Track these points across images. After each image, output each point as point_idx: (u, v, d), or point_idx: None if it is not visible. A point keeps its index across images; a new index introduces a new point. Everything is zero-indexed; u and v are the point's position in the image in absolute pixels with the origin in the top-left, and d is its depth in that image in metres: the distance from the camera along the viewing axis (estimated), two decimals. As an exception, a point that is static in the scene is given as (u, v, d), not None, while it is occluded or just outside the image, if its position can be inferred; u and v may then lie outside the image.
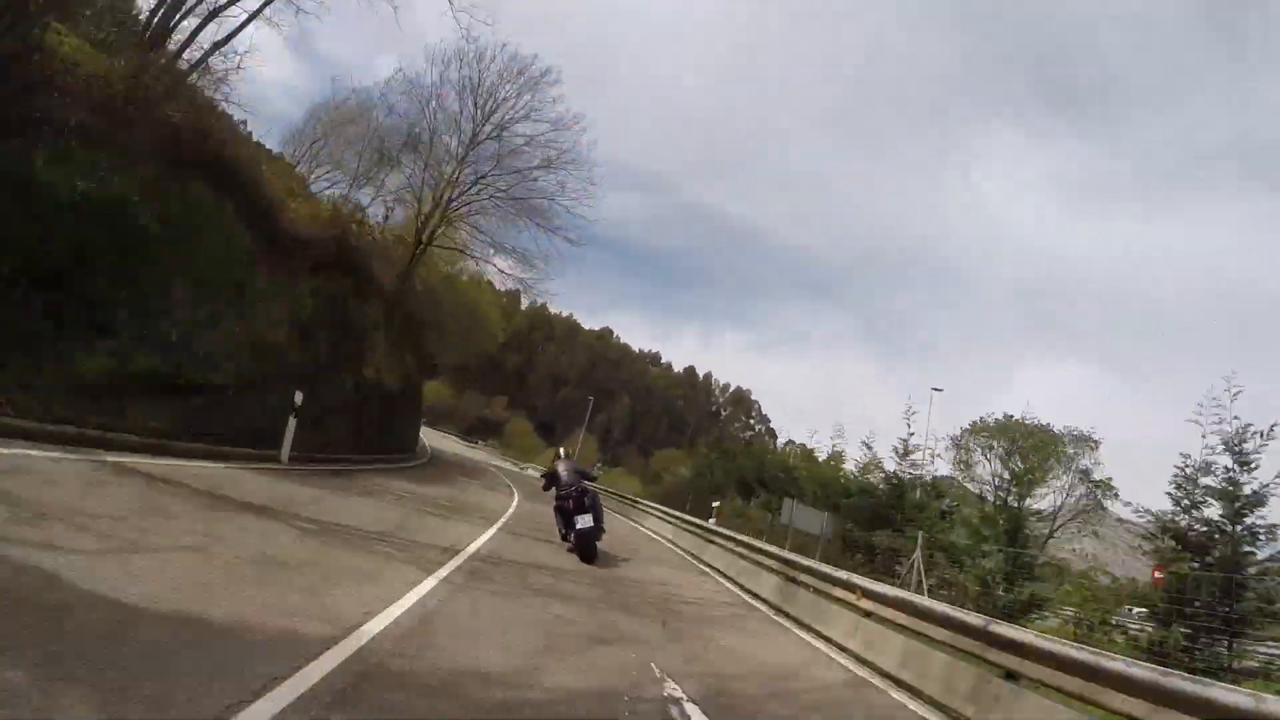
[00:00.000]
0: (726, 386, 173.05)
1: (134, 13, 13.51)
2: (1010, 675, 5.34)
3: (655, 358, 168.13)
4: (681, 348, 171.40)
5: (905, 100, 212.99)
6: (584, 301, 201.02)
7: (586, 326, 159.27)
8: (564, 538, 10.86)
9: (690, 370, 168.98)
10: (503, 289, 40.87)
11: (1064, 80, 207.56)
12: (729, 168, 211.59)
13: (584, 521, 10.06)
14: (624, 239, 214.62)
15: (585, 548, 10.05)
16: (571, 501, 10.35)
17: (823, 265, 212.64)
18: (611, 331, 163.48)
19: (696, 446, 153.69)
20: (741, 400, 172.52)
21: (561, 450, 12.85)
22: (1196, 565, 12.98)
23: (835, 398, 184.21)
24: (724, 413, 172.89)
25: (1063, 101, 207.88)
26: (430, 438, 55.79)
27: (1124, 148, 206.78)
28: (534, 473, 45.14)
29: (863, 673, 6.76)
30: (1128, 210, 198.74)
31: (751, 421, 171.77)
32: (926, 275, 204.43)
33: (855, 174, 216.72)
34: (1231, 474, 12.94)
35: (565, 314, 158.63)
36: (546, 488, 11.36)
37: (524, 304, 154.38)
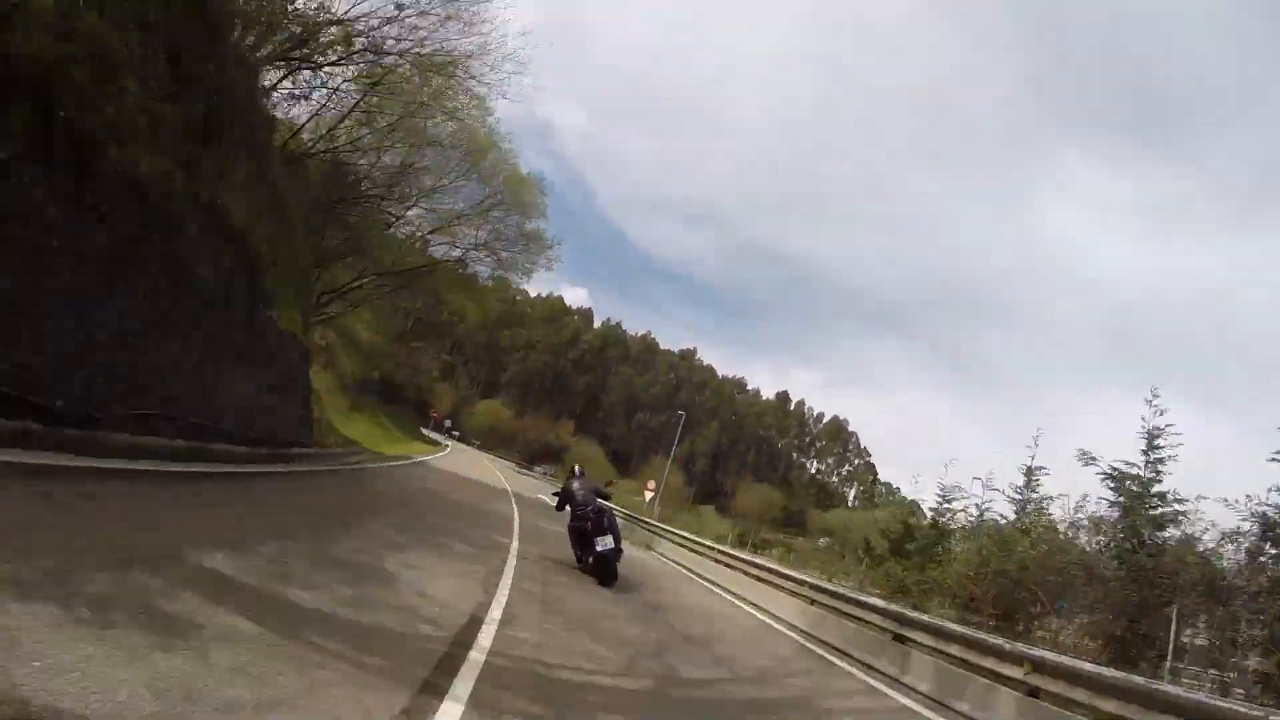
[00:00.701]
0: (820, 416, 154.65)
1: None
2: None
3: (740, 383, 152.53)
4: (755, 383, 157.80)
5: (976, 130, 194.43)
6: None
7: (665, 347, 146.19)
8: (579, 560, 10.52)
9: (783, 396, 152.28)
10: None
11: (1140, 101, 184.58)
12: (794, 202, 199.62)
13: (605, 543, 9.78)
14: (690, 274, 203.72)
15: (605, 571, 9.83)
16: (590, 523, 9.99)
17: (892, 300, 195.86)
18: (695, 352, 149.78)
19: (790, 483, 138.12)
20: (838, 432, 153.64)
21: (576, 467, 11.86)
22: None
23: (910, 435, 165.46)
24: (818, 445, 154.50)
25: (1139, 123, 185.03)
26: (468, 461, 44.22)
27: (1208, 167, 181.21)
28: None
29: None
30: (1214, 232, 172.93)
31: (849, 455, 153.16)
32: (1001, 308, 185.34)
33: (922, 205, 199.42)
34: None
35: (641, 333, 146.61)
36: (560, 506, 10.87)
37: (596, 322, 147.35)
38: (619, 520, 11.73)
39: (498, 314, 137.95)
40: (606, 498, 10.95)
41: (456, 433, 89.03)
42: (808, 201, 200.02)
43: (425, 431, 67.54)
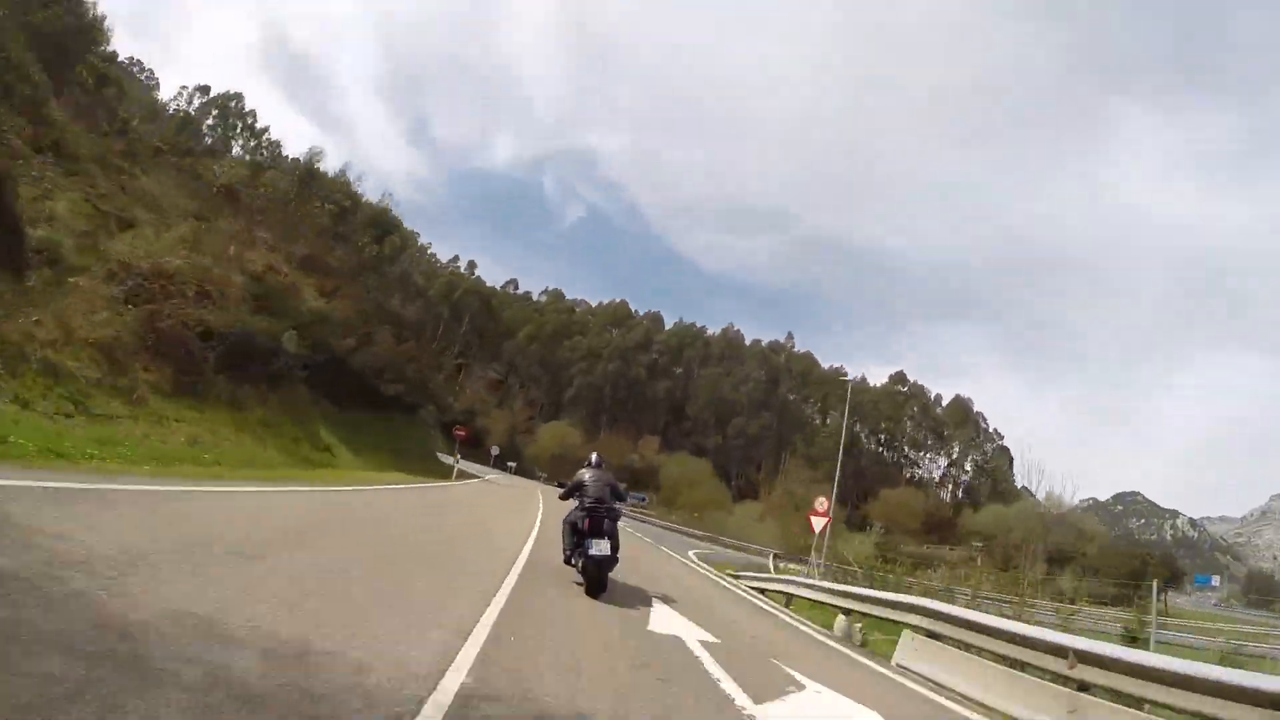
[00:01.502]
0: (939, 398, 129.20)
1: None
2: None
3: (841, 372, 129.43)
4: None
5: (1031, 99, 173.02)
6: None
7: (750, 340, 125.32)
8: (568, 560, 9.28)
9: (897, 377, 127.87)
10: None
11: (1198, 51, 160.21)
12: (855, 192, 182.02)
13: (600, 548, 8.42)
14: (751, 281, 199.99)
15: (595, 579, 8.42)
16: (589, 519, 8.65)
17: (959, 283, 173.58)
18: (791, 338, 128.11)
19: (921, 483, 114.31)
20: (965, 415, 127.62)
21: (593, 456, 10.00)
22: None
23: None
24: (945, 432, 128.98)
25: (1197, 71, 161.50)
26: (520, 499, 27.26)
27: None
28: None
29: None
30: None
31: (978, 441, 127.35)
32: (1071, 278, 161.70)
33: (983, 183, 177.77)
34: None
35: (719, 330, 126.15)
36: (566, 495, 9.55)
37: (669, 323, 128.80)
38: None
39: (555, 326, 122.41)
40: (621, 498, 9.56)
41: (512, 464, 70.56)
42: (863, 190, 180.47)
43: (445, 457, 48.78)
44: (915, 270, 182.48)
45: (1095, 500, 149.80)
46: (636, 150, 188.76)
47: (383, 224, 73.99)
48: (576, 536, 8.83)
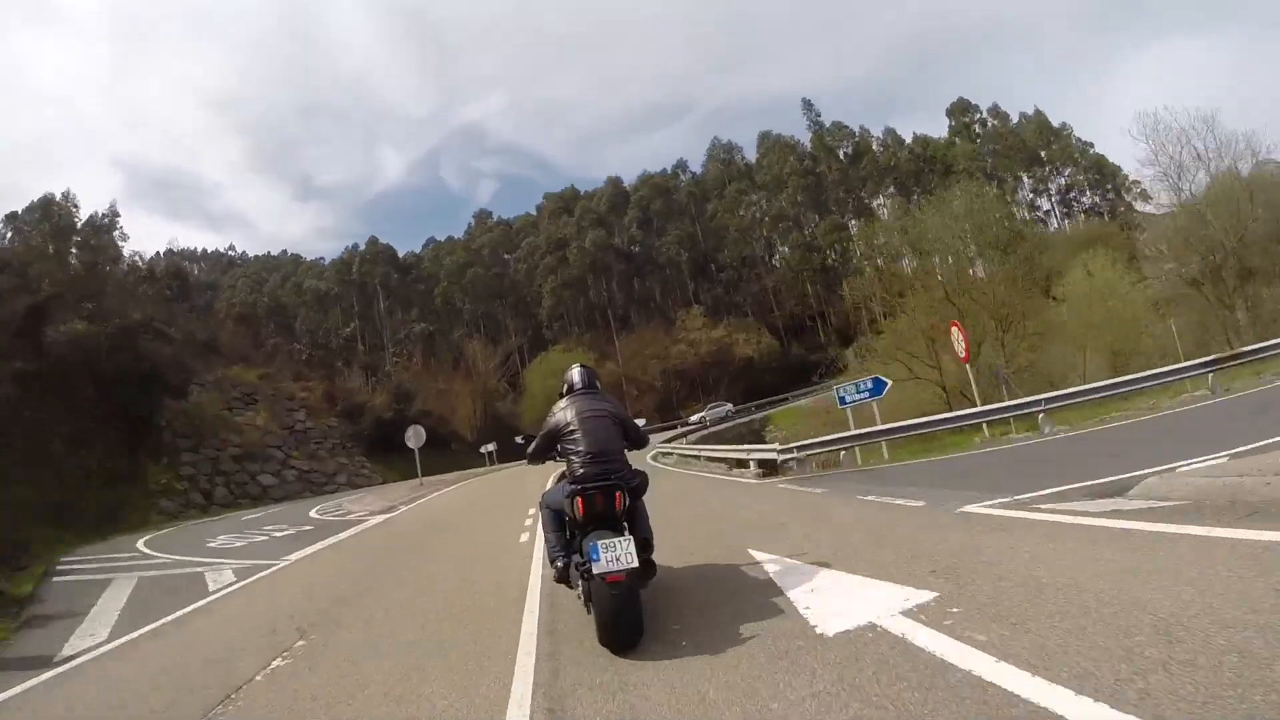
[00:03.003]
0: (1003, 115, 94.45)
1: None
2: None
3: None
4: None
5: None
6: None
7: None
8: (561, 575, 4.41)
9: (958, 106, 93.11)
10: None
11: None
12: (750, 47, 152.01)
13: (615, 552, 3.75)
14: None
15: (618, 617, 3.72)
16: (583, 500, 4.09)
17: None
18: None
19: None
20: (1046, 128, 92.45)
21: (574, 371, 5.00)
22: None
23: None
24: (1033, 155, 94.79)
25: None
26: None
27: None
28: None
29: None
30: None
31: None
32: None
33: None
34: None
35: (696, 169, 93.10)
36: (537, 457, 4.76)
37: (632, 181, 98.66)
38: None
39: (491, 242, 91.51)
40: (638, 440, 4.75)
41: (490, 448, 42.94)
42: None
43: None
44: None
45: None
46: (518, 103, 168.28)
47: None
48: (568, 530, 4.32)
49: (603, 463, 4.22)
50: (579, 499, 4.06)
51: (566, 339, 70.80)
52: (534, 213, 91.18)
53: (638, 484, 4.39)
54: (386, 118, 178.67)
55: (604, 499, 4.05)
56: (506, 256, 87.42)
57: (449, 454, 54.00)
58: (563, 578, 4.38)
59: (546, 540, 4.64)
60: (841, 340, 73.01)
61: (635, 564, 3.72)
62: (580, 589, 4.10)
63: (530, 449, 4.76)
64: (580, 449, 4.26)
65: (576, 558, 4.06)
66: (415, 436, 30.98)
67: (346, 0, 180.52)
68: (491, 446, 39.09)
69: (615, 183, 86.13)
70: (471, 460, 46.35)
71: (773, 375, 64.60)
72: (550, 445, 4.56)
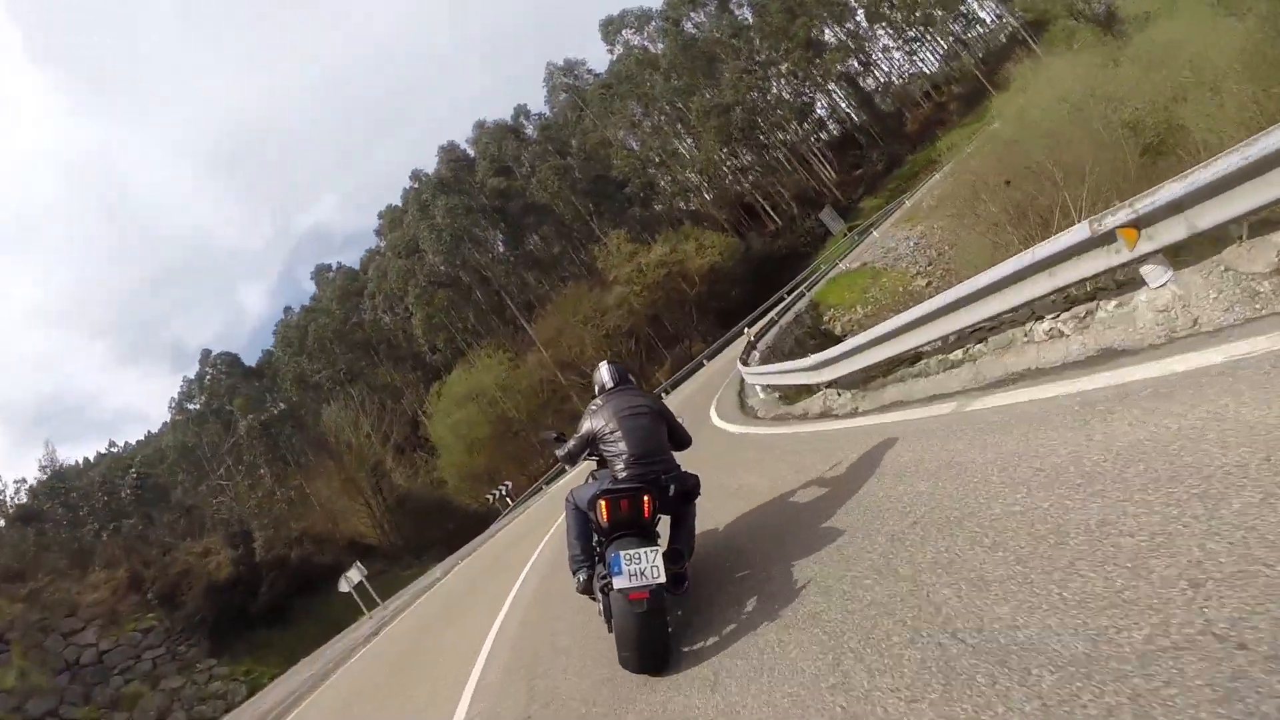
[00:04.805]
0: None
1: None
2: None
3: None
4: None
5: None
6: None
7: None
8: (584, 586, 4.13)
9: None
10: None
11: None
12: None
13: (643, 565, 3.39)
14: None
15: (640, 639, 3.40)
16: (607, 502, 3.64)
17: None
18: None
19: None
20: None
21: (603, 368, 4.69)
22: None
23: None
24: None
25: None
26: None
27: None
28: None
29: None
30: None
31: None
32: None
33: None
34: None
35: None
36: (571, 457, 4.46)
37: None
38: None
39: (343, 288, 68.07)
40: (683, 440, 4.47)
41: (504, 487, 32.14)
42: None
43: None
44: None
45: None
46: (348, 193, 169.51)
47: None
48: (594, 535, 4.05)
49: (647, 464, 3.87)
50: (603, 502, 3.61)
51: (466, 356, 50.77)
52: (378, 245, 70.43)
53: (688, 488, 3.98)
54: (233, 258, 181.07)
55: (630, 504, 3.61)
56: (358, 300, 66.73)
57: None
58: (585, 589, 4.12)
59: (569, 545, 4.26)
60: (804, 204, 56.26)
61: (661, 579, 3.37)
62: (600, 604, 3.88)
63: (562, 452, 4.48)
64: (622, 451, 3.91)
65: (600, 568, 3.79)
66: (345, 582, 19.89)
67: (147, 162, 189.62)
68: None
69: (450, 150, 65.84)
70: (395, 570, 32.63)
71: (750, 277, 47.26)
72: (582, 450, 4.30)
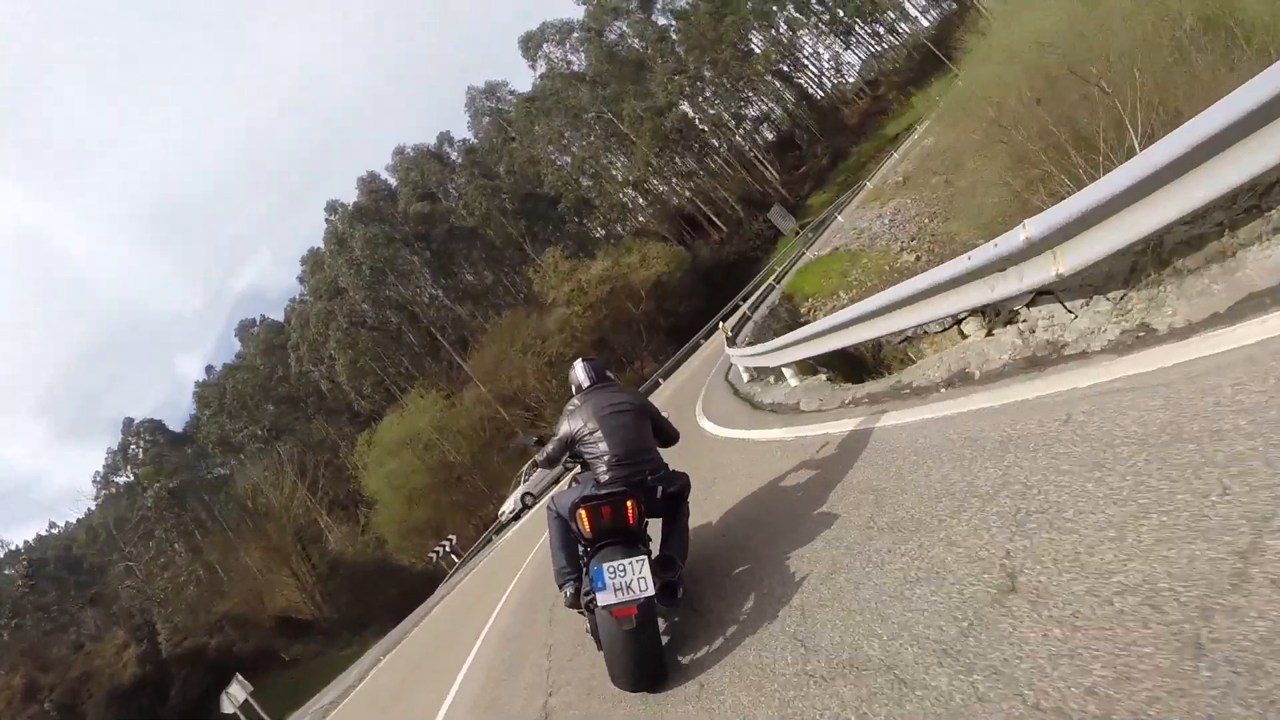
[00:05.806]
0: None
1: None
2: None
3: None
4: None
5: None
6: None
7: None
8: (572, 600, 3.74)
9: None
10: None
11: None
12: None
13: (629, 578, 3.13)
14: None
15: (637, 661, 3.14)
16: (588, 511, 3.40)
17: None
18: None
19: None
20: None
21: (578, 367, 4.35)
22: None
23: None
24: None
25: None
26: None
27: None
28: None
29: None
30: None
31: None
32: None
33: None
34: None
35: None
36: (550, 461, 4.14)
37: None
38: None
39: (267, 342, 63.09)
40: (669, 437, 4.18)
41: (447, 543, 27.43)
42: None
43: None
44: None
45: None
46: (278, 249, 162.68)
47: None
48: (578, 546, 3.75)
49: (631, 465, 3.63)
50: (583, 510, 3.37)
51: (399, 401, 46.90)
52: (302, 293, 66.01)
53: (678, 488, 3.78)
54: (169, 326, 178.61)
55: (612, 510, 3.38)
56: (282, 353, 62.32)
57: (284, 668, 29.86)
58: (574, 603, 3.78)
59: (554, 558, 3.97)
60: (751, 206, 54.48)
61: (651, 591, 3.12)
62: (588, 620, 3.62)
63: (541, 456, 4.18)
64: (604, 452, 3.65)
65: (585, 581, 3.41)
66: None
67: (74, 236, 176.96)
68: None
69: (370, 180, 62.14)
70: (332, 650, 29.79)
71: (699, 288, 44.71)
72: (560, 452, 3.98)
